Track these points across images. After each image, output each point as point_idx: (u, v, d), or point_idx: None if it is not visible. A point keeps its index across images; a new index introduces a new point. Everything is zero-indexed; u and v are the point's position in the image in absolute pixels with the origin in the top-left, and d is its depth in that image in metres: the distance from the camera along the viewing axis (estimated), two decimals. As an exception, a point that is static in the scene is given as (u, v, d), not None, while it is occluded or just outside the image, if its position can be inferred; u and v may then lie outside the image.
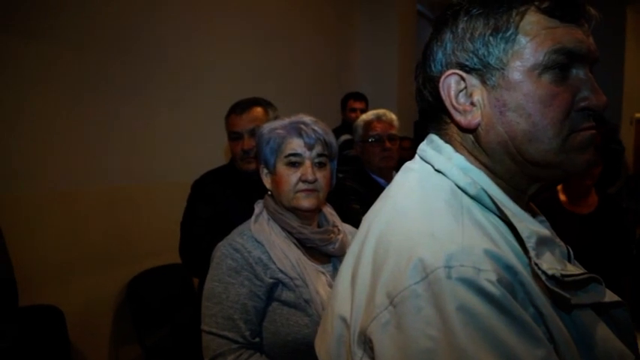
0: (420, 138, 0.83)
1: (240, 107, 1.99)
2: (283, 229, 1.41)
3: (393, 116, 2.44)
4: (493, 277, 0.59)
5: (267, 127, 1.46)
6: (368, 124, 2.41)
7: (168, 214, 2.32)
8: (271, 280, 1.33)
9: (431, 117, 0.79)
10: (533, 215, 0.80)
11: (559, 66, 0.68)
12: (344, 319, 0.72)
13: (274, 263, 1.34)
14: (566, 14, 0.68)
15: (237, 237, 1.39)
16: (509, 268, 0.62)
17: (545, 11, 0.69)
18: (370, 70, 4.87)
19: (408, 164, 0.81)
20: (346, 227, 1.54)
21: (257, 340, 1.31)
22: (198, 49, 3.04)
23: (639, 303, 2.61)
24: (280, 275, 1.33)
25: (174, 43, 2.88)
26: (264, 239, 1.37)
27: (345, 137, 3.60)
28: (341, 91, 4.30)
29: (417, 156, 0.80)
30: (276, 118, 1.68)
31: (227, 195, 1.96)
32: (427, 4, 6.54)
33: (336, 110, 4.17)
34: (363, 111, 3.65)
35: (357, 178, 2.41)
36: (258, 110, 1.97)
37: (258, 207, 1.48)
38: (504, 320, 0.57)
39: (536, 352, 0.57)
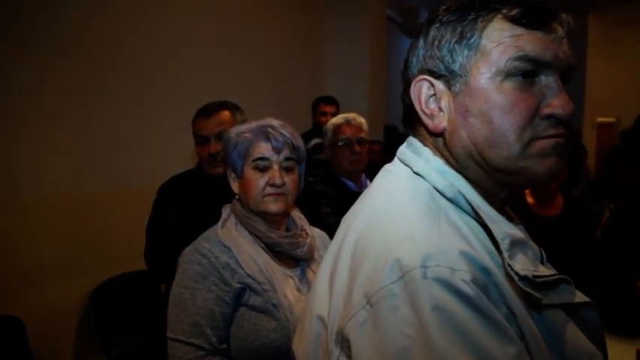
0: (390, 142, 0.84)
1: (207, 111, 1.96)
2: (251, 233, 1.40)
3: (362, 120, 2.45)
4: (468, 278, 0.60)
5: (234, 131, 1.45)
6: (337, 128, 2.42)
7: (133, 220, 2.26)
8: (239, 285, 1.31)
9: (409, 121, 0.81)
10: (509, 218, 0.81)
11: (522, 73, 0.68)
12: (322, 319, 0.73)
13: (242, 268, 1.33)
14: (533, 21, 0.69)
15: (204, 242, 1.37)
16: (483, 269, 0.64)
17: (512, 19, 0.69)
18: (341, 74, 4.89)
19: (387, 166, 0.82)
20: (315, 231, 1.54)
21: (224, 346, 1.29)
22: (165, 51, 2.99)
23: (604, 304, 2.68)
24: (248, 280, 1.32)
25: (140, 46, 2.83)
26: (231, 244, 1.36)
27: (315, 141, 3.60)
28: (312, 95, 4.30)
29: (396, 158, 0.81)
30: (243, 121, 1.66)
31: (194, 199, 1.93)
32: (397, 9, 6.62)
33: (307, 114, 4.17)
34: (334, 115, 3.65)
35: (327, 182, 2.41)
36: (225, 114, 1.95)
37: (225, 211, 1.46)
38: (478, 319, 0.59)
39: (508, 350, 0.58)
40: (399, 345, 0.59)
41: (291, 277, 1.40)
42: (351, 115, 2.46)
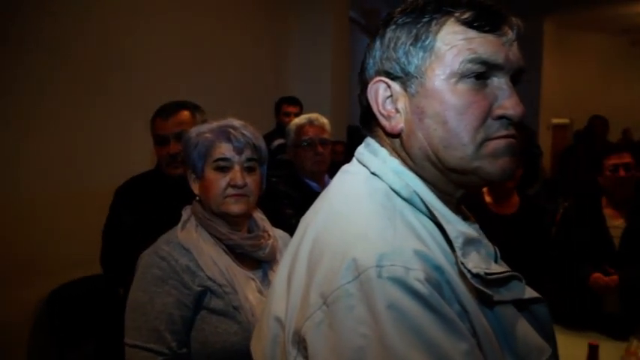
0: (353, 142, 0.85)
1: (166, 111, 1.93)
2: (212, 235, 1.38)
3: (325, 120, 2.46)
4: (421, 276, 0.61)
5: (194, 131, 1.43)
6: (300, 129, 2.42)
7: (89, 223, 2.20)
8: (199, 288, 1.29)
9: (366, 122, 0.81)
10: (464, 217, 0.83)
11: (475, 75, 0.70)
12: (279, 320, 0.73)
13: (202, 271, 1.31)
14: (485, 25, 0.70)
15: (163, 245, 1.35)
16: (437, 267, 0.65)
17: (465, 22, 0.71)
18: (304, 75, 4.89)
19: (345, 167, 0.82)
20: (277, 232, 1.53)
21: (184, 350, 1.27)
22: (122, 50, 2.92)
23: (558, 300, 2.79)
24: (209, 283, 1.30)
25: (96, 44, 2.75)
26: (191, 246, 1.34)
27: (279, 141, 3.58)
28: (275, 95, 4.28)
29: (354, 159, 0.82)
30: (204, 121, 1.64)
31: (153, 201, 1.89)
32: (360, 11, 6.67)
33: (271, 114, 4.15)
34: (297, 115, 3.64)
35: (290, 183, 2.40)
36: (185, 114, 1.92)
37: (185, 213, 1.44)
38: (431, 317, 0.60)
39: (460, 346, 0.60)
40: (354, 344, 0.60)
41: (253, 279, 1.38)
42: (314, 116, 2.46)
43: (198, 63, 3.58)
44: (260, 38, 4.46)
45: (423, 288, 0.61)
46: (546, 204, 3.82)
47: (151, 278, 1.28)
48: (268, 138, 3.67)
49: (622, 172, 2.38)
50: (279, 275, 0.77)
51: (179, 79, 3.30)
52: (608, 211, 2.45)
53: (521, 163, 2.67)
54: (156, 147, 1.96)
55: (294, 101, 4.09)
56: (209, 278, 1.30)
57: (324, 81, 4.89)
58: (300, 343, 0.66)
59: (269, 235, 1.47)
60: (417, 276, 0.61)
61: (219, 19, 3.87)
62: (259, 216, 1.52)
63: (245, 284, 1.35)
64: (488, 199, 2.68)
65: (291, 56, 4.90)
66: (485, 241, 0.84)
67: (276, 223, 1.57)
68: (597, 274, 2.31)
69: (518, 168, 2.63)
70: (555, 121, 8.84)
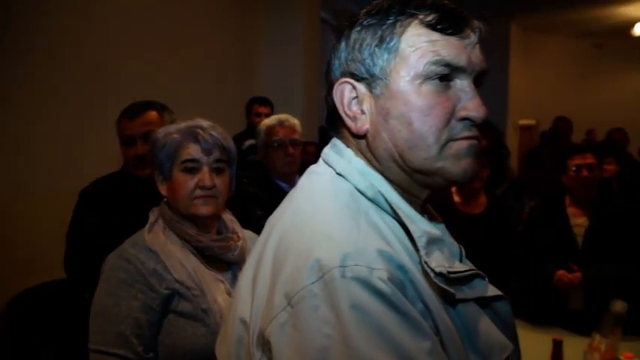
0: (324, 143, 0.85)
1: (133, 111, 1.89)
2: (180, 237, 1.37)
3: (296, 121, 2.46)
4: (385, 276, 0.62)
5: (161, 132, 1.41)
6: (270, 129, 2.41)
7: (53, 226, 2.14)
8: (167, 292, 1.28)
9: (332, 122, 0.82)
10: (430, 217, 0.84)
11: (439, 76, 0.71)
12: (244, 321, 0.72)
13: (170, 273, 1.30)
14: (448, 27, 0.72)
15: (129, 247, 1.33)
16: (400, 266, 0.66)
17: (428, 24, 0.72)
18: (275, 75, 4.87)
19: (312, 167, 0.82)
20: (247, 233, 1.52)
21: (151, 355, 1.26)
22: (88, 48, 2.85)
23: (525, 297, 2.85)
24: (177, 285, 1.29)
25: (61, 42, 2.68)
26: (159, 249, 1.32)
27: (249, 142, 3.56)
28: (246, 96, 4.25)
29: (320, 159, 0.82)
30: (172, 122, 1.61)
31: (119, 203, 1.85)
32: (331, 11, 6.69)
33: (242, 115, 4.12)
34: (268, 116, 3.63)
35: (260, 183, 2.40)
36: (152, 114, 1.88)
37: (153, 215, 1.42)
38: (394, 316, 0.61)
39: (423, 345, 0.61)
40: (318, 345, 0.60)
41: (222, 281, 1.37)
42: (284, 116, 2.46)
43: (168, 63, 3.53)
44: (231, 38, 4.42)
45: (386, 287, 0.61)
46: (513, 203, 3.90)
47: (117, 282, 1.26)
48: (239, 139, 3.65)
49: (585, 172, 2.44)
50: (245, 276, 0.77)
51: (148, 79, 3.24)
52: (571, 210, 2.51)
53: (488, 164, 2.72)
54: (122, 148, 1.93)
55: (265, 101, 4.08)
56: (177, 281, 1.29)
57: (296, 81, 4.89)
58: (265, 345, 0.66)
59: (238, 236, 1.46)
60: (380, 276, 0.62)
61: (189, 18, 3.82)
62: (229, 217, 1.51)
63: (214, 286, 1.34)
64: (456, 198, 2.72)
65: (263, 56, 4.87)
66: (451, 240, 0.85)
67: (246, 225, 1.56)
68: (561, 272, 2.37)
69: (485, 168, 2.68)
70: (522, 122, 9.04)
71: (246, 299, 0.73)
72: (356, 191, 0.74)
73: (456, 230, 0.93)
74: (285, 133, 2.39)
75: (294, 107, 4.42)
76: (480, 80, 0.76)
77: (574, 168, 2.46)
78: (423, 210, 0.81)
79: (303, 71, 4.91)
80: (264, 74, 4.87)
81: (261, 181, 2.42)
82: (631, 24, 7.58)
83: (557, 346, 1.78)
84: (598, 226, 2.42)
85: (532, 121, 9.22)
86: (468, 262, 0.84)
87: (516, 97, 8.49)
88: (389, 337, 0.59)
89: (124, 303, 1.24)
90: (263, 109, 4.00)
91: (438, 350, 0.63)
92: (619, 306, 1.86)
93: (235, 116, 4.10)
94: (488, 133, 4.06)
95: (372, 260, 0.63)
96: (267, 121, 2.48)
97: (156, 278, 1.28)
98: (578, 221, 2.48)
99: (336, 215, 0.70)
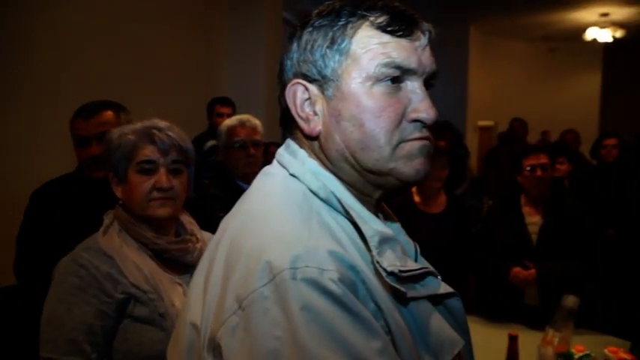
0: None
1: (88, 111, 1.83)
2: (136, 240, 1.34)
3: (257, 122, 2.44)
4: (335, 277, 0.62)
5: (116, 132, 1.38)
6: (231, 130, 2.39)
7: (2, 229, 2.06)
8: (122, 296, 1.25)
9: (286, 123, 0.81)
10: (385, 217, 0.85)
11: (390, 78, 0.72)
12: (195, 326, 0.72)
13: (126, 277, 1.26)
14: (398, 30, 0.72)
15: (82, 251, 1.29)
16: (352, 267, 0.66)
17: (379, 26, 0.72)
18: (238, 75, 4.84)
19: (266, 168, 0.82)
20: (206, 235, 1.50)
21: (106, 362, 1.22)
22: (40, 44, 2.75)
23: (482, 294, 2.91)
24: (132, 290, 1.26)
25: (11, 42, 2.58)
26: (114, 252, 1.29)
27: (211, 143, 3.51)
28: (208, 96, 4.20)
29: (274, 160, 0.82)
30: (129, 122, 1.58)
31: (72, 206, 1.80)
32: (294, 12, 6.68)
33: (203, 115, 4.07)
34: (230, 116, 3.59)
35: (221, 184, 2.37)
36: (108, 114, 1.83)
37: (107, 218, 1.38)
38: (344, 316, 0.61)
39: (373, 345, 0.61)
40: (268, 347, 0.60)
41: (180, 284, 1.35)
42: (245, 117, 2.45)
43: (126, 63, 3.45)
44: (191, 38, 4.36)
45: (336, 288, 0.61)
46: (472, 202, 3.99)
47: (69, 287, 1.22)
48: (201, 139, 3.60)
49: (539, 172, 2.52)
50: (196, 279, 0.76)
51: (104, 78, 3.15)
52: (526, 209, 2.59)
53: (448, 164, 2.77)
54: (76, 149, 1.86)
55: (226, 102, 4.03)
56: (133, 285, 1.26)
57: (258, 81, 4.87)
58: (216, 349, 0.65)
59: (197, 238, 1.44)
60: (331, 276, 0.62)
61: (148, 18, 3.75)
62: (187, 219, 1.48)
63: (171, 290, 1.31)
64: (416, 198, 2.77)
65: (224, 56, 4.83)
66: (406, 238, 0.86)
67: (207, 226, 1.53)
68: (517, 269, 2.44)
69: (445, 169, 2.74)
70: (481, 123, 9.26)
71: (197, 303, 0.72)
72: (309, 192, 0.74)
73: (415, 229, 0.95)
74: (246, 134, 2.37)
75: (258, 107, 4.40)
76: (430, 82, 0.77)
77: (528, 168, 2.53)
78: (377, 209, 0.81)
79: (266, 72, 4.89)
80: (227, 74, 4.83)
81: (222, 182, 2.40)
82: (582, 29, 7.90)
83: (513, 340, 1.82)
84: (551, 225, 2.50)
85: (491, 122, 9.47)
86: (423, 260, 0.85)
87: (475, 99, 8.70)
88: (340, 338, 0.60)
89: (76, 309, 1.20)
90: (225, 110, 3.95)
91: (389, 350, 0.63)
92: (571, 301, 1.93)
93: (197, 117, 4.04)
94: (448, 134, 4.14)
95: (323, 261, 0.63)
96: (229, 122, 2.46)
97: (110, 282, 1.24)
98: (533, 220, 2.56)
99: (288, 216, 0.69)
